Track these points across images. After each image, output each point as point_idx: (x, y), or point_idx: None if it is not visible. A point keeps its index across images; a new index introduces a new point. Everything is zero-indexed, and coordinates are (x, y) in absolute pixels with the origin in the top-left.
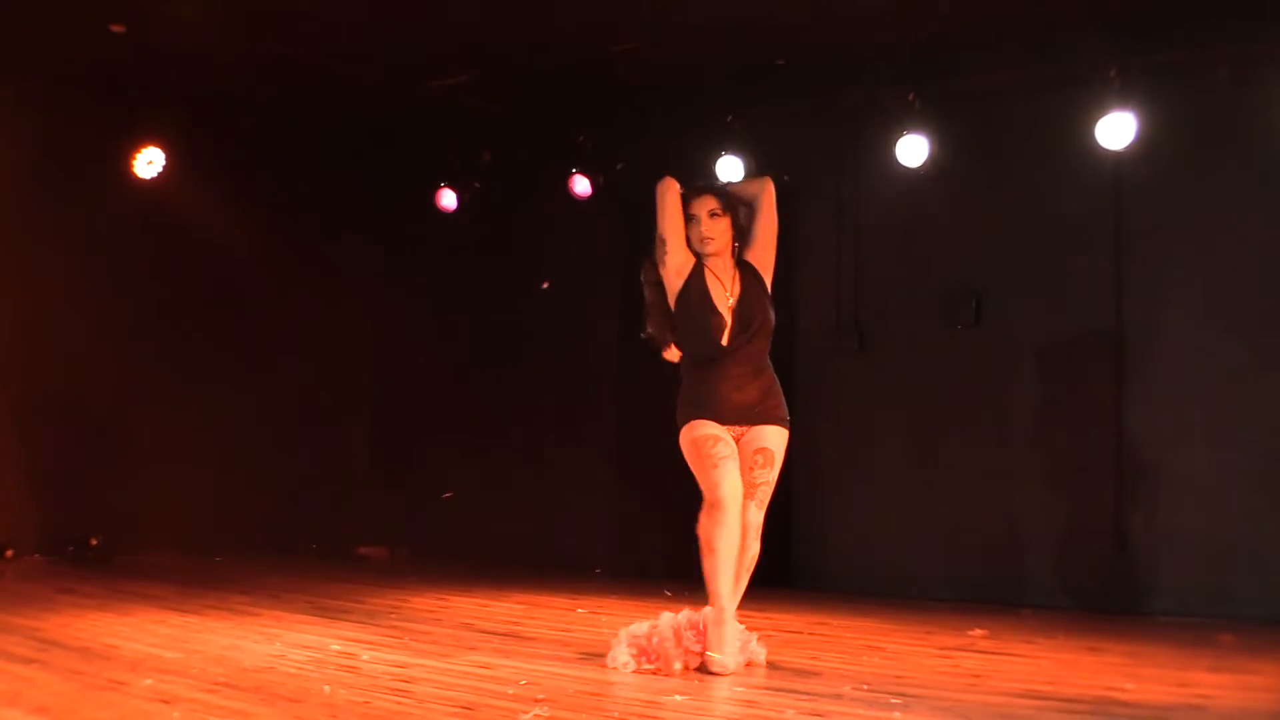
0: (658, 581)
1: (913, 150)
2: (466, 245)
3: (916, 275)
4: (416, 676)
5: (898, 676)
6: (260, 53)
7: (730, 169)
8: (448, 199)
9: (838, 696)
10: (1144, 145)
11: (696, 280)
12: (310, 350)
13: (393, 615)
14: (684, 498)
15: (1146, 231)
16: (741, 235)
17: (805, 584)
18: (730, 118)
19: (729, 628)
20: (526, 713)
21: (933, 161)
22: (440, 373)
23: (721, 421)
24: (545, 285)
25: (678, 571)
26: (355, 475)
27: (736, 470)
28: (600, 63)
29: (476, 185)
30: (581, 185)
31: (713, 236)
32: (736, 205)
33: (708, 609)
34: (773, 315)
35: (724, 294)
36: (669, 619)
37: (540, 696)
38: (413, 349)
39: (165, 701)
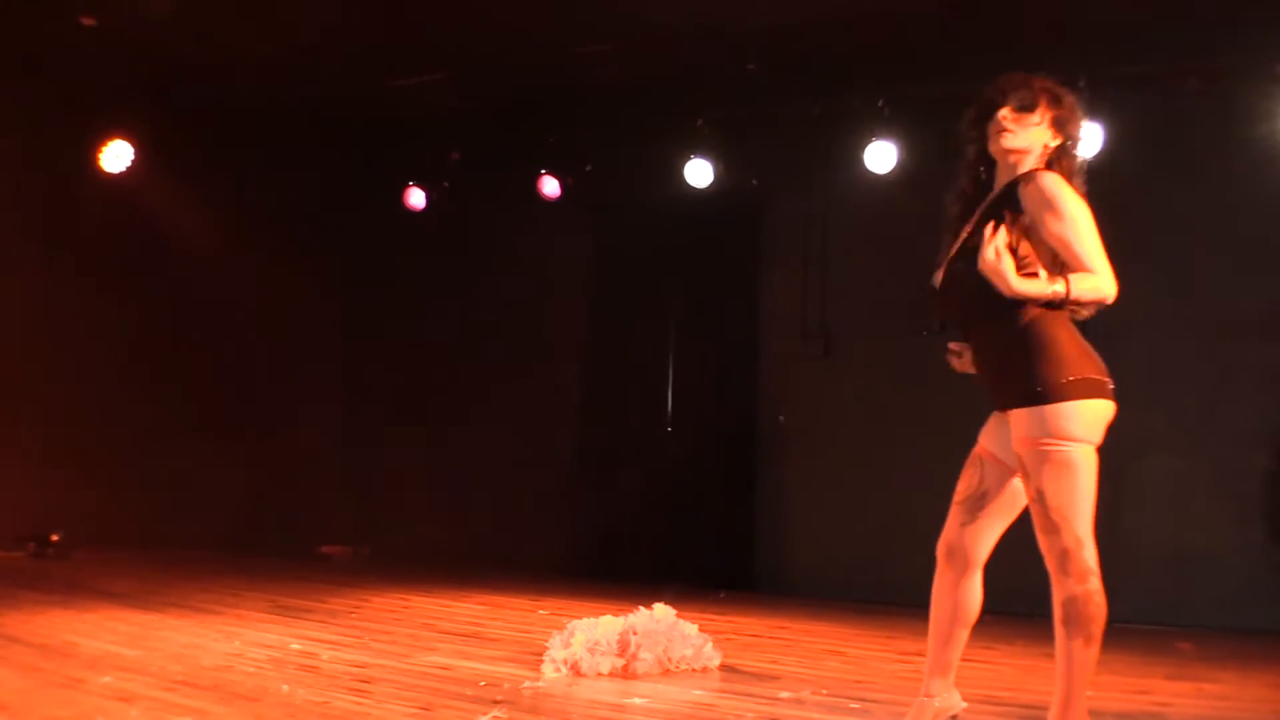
0: (620, 583)
1: (881, 156)
2: (434, 245)
3: (883, 281)
4: (376, 676)
5: (858, 681)
6: (229, 50)
7: (699, 173)
8: (416, 198)
9: (798, 701)
10: (1110, 155)
11: None
12: (275, 348)
13: (353, 615)
14: (645, 499)
15: (1110, 240)
16: None
17: (767, 588)
18: (700, 121)
19: None
20: (485, 714)
21: (901, 167)
22: (406, 372)
23: None
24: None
25: (638, 573)
26: (318, 474)
27: None
28: (570, 64)
29: (445, 185)
30: (550, 186)
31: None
32: None
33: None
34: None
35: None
36: (610, 621)
37: (498, 698)
38: (379, 348)
39: (124, 699)
